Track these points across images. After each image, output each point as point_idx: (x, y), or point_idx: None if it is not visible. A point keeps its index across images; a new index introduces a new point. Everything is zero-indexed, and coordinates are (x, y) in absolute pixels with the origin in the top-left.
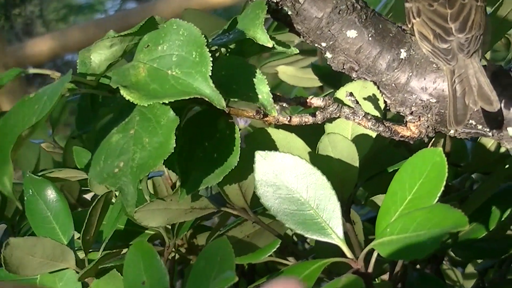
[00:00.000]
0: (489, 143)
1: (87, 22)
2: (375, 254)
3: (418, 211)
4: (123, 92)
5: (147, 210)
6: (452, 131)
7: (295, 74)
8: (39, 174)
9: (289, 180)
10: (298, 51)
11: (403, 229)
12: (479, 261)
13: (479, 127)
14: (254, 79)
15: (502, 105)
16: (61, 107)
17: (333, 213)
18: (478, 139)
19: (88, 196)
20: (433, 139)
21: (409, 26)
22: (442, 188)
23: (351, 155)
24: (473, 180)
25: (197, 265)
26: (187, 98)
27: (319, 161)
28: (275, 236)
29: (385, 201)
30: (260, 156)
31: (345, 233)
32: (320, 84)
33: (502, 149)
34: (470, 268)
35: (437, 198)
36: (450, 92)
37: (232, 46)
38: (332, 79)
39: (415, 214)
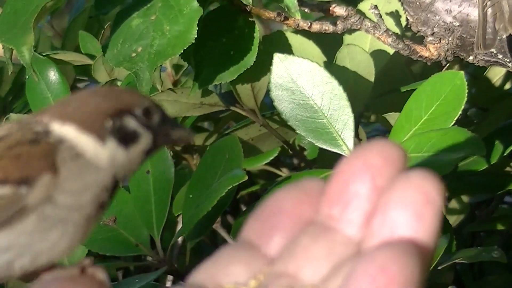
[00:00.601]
0: (495, 78)
1: None
2: None
3: (434, 132)
4: None
5: (157, 100)
6: (471, 58)
7: None
8: (43, 54)
9: (305, 86)
10: None
11: (416, 149)
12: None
13: (500, 56)
14: None
15: None
16: None
17: (345, 125)
18: (484, 73)
19: (81, 86)
20: (448, 64)
21: None
22: (460, 112)
23: (367, 69)
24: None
25: (204, 161)
26: None
27: (335, 70)
28: (281, 142)
29: (399, 119)
30: (278, 59)
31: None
32: None
33: (507, 86)
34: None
35: (454, 121)
36: (481, 15)
37: None
38: None
39: (430, 134)
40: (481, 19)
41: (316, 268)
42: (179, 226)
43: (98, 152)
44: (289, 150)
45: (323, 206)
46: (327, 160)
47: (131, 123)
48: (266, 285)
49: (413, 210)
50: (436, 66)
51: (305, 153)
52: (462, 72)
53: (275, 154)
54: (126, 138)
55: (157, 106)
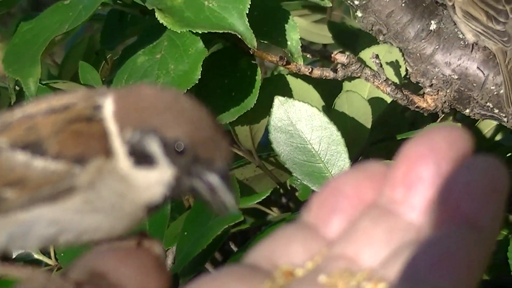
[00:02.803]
0: (486, 129)
1: None
2: None
3: None
4: (158, 15)
5: None
6: (468, 110)
7: (307, 27)
8: (43, 82)
9: (304, 130)
10: (331, 5)
11: None
12: None
13: (496, 110)
14: (286, 25)
15: None
16: None
17: (342, 170)
18: (476, 123)
19: None
20: (443, 116)
21: (450, 3)
22: None
23: (365, 116)
24: None
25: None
26: (220, 31)
27: (334, 116)
28: (275, 183)
29: None
30: (279, 102)
31: None
32: (328, 42)
33: (498, 137)
34: None
35: None
36: (506, 74)
37: None
38: (347, 38)
39: None
40: (507, 77)
41: (375, 252)
42: (169, 259)
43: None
44: (281, 190)
45: (385, 189)
46: None
47: (150, 144)
48: (323, 267)
49: (478, 197)
50: (429, 116)
51: (297, 194)
52: (459, 124)
53: (267, 194)
54: (140, 158)
55: (206, 146)
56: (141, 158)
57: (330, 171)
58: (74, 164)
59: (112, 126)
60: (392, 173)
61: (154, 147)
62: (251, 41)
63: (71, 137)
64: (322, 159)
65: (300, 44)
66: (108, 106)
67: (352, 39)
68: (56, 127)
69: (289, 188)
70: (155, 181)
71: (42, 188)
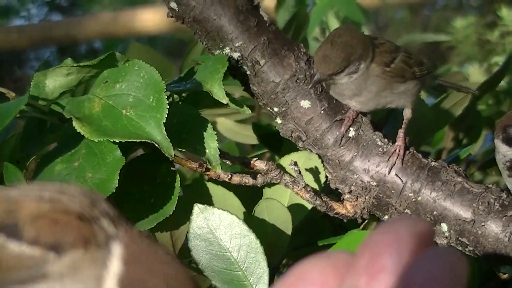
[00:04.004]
0: None
1: (10, 26)
2: None
3: None
4: (75, 124)
5: None
6: (386, 217)
7: (233, 128)
8: None
9: (223, 238)
10: (250, 112)
11: None
12: None
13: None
14: (204, 133)
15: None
16: None
17: (260, 278)
18: None
19: None
20: (366, 221)
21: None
22: None
23: (285, 223)
24: None
25: None
26: (137, 140)
27: (253, 223)
28: None
29: None
30: (198, 209)
31: None
32: (254, 142)
33: None
34: None
35: None
36: None
37: (184, 94)
38: (272, 141)
39: None
40: None
41: None
42: None
43: None
44: None
45: (349, 277)
46: None
47: None
48: None
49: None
50: (351, 221)
51: None
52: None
53: None
54: None
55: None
56: None
57: (248, 279)
58: (49, 250)
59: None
60: (356, 262)
61: None
62: (168, 150)
63: (50, 223)
64: (241, 267)
65: (218, 152)
66: (116, 259)
67: (278, 142)
68: (36, 213)
69: None
70: None
71: (14, 271)
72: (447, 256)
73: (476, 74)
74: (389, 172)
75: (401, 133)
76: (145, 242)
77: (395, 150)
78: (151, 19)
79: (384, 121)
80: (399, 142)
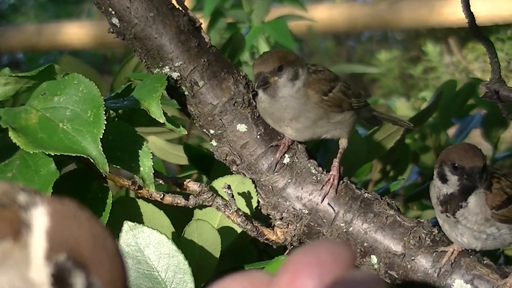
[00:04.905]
0: None
1: None
2: None
3: None
4: (11, 134)
5: None
6: None
7: (163, 147)
8: None
9: (151, 257)
10: (186, 132)
11: None
12: None
13: None
14: (140, 151)
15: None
16: None
17: None
18: None
19: None
20: (291, 247)
21: None
22: None
23: (214, 245)
24: None
25: None
26: (72, 155)
27: (182, 244)
28: None
29: None
30: (128, 227)
31: None
32: (184, 163)
33: None
34: None
35: None
36: None
37: (120, 111)
38: (202, 163)
39: None
40: None
41: None
42: None
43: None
44: None
45: None
46: None
47: (76, 278)
48: None
49: None
50: (279, 247)
51: None
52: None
53: None
54: (60, 283)
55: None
56: (61, 282)
57: None
58: None
59: (40, 241)
60: (276, 281)
61: (77, 282)
62: (103, 166)
63: None
64: (168, 287)
65: (153, 171)
66: (41, 218)
67: (208, 164)
68: None
69: None
70: None
71: None
72: (366, 280)
73: (403, 108)
74: (322, 201)
75: (336, 162)
76: (68, 203)
77: (329, 180)
78: (76, 33)
79: (315, 149)
80: (334, 171)
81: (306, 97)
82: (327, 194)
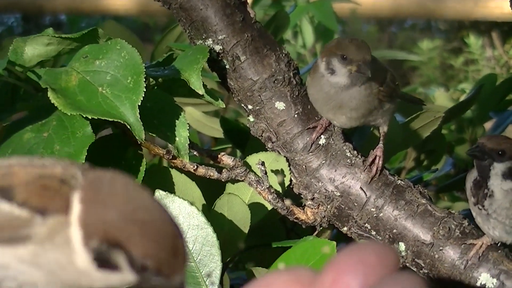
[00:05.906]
0: None
1: None
2: None
3: None
4: (50, 95)
5: None
6: (345, 228)
7: (200, 119)
8: None
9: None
10: (224, 106)
11: None
12: None
13: (373, 233)
14: (177, 121)
15: None
16: None
17: (212, 272)
18: None
19: None
20: (321, 229)
21: None
22: None
23: (243, 220)
24: None
25: None
26: (109, 119)
27: (212, 217)
28: None
29: None
30: (159, 195)
31: None
32: (219, 136)
33: None
34: None
35: None
36: None
37: (160, 80)
38: (237, 138)
39: None
40: None
41: None
42: None
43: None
44: None
45: None
46: None
47: (116, 258)
48: None
49: None
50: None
51: None
52: (334, 242)
53: None
54: (103, 263)
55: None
56: (104, 263)
57: (200, 271)
58: (36, 213)
59: (75, 230)
60: (321, 279)
61: (119, 260)
62: (140, 133)
63: (38, 188)
64: (195, 259)
65: (188, 142)
66: (76, 203)
67: (243, 139)
68: (28, 178)
69: None
70: (115, 283)
71: (1, 229)
72: (410, 282)
73: (441, 98)
74: (370, 181)
75: (381, 143)
76: (104, 178)
77: (374, 160)
78: None
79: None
80: (379, 152)
81: (370, 88)
82: (374, 176)
